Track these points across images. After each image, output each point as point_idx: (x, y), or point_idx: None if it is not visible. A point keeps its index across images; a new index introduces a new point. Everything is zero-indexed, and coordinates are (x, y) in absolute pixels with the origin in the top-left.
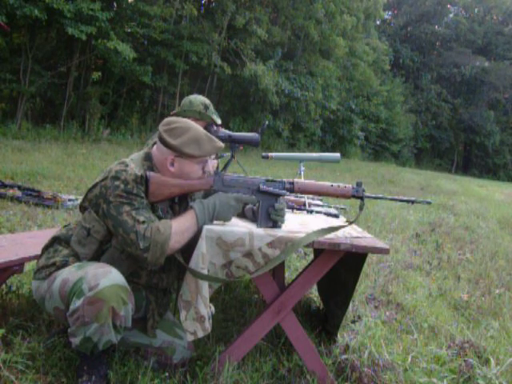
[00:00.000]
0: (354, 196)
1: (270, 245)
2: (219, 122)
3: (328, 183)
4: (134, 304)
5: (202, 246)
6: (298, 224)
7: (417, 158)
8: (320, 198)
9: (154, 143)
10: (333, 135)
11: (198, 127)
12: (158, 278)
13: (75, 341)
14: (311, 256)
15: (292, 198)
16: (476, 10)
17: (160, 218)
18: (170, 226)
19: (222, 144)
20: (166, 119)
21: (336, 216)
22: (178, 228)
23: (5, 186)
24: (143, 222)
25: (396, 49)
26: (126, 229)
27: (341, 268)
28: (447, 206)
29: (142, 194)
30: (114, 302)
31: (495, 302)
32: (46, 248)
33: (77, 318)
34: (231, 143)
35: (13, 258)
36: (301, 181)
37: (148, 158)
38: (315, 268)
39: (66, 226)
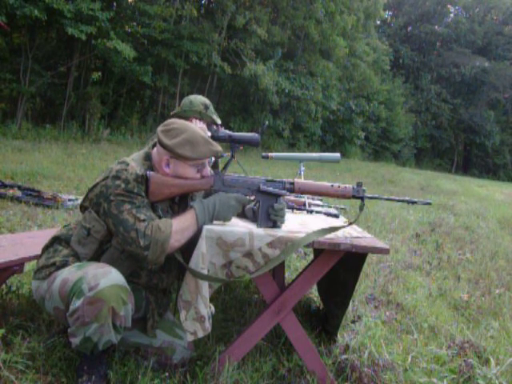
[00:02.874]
0: (354, 196)
1: (270, 245)
2: (219, 121)
3: (328, 183)
4: (134, 304)
5: (202, 245)
6: (298, 224)
7: (417, 158)
8: (320, 198)
9: (155, 143)
10: (333, 135)
11: (196, 130)
12: (158, 278)
13: (75, 341)
14: (311, 256)
15: (292, 197)
16: (476, 9)
17: (160, 218)
18: (170, 225)
19: (219, 148)
20: (167, 121)
21: (336, 216)
22: (179, 227)
23: (5, 185)
24: (144, 220)
25: (396, 49)
26: (126, 227)
27: (341, 268)
28: (447, 205)
29: (143, 193)
30: (114, 302)
31: (495, 301)
32: (46, 248)
33: (77, 318)
34: (231, 143)
35: (13, 258)
36: (301, 181)
37: (148, 157)
38: (315, 268)
39: (65, 225)
